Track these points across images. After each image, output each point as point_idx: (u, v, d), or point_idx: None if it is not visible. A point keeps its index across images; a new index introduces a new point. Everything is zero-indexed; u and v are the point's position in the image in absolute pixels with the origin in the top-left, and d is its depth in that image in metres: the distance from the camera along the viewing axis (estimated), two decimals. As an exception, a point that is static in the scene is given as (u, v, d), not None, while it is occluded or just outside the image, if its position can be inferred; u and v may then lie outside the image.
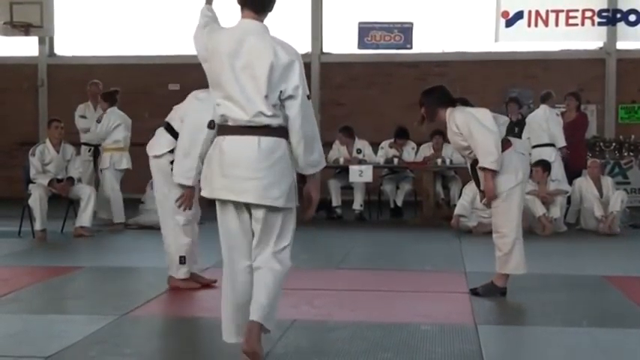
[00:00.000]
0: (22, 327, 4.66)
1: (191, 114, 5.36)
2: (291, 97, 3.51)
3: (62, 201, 8.98)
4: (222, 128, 3.61)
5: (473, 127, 5.18)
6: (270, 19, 3.68)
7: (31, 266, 7.08)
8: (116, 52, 13.60)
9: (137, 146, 12.43)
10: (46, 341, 4.31)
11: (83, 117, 10.27)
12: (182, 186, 5.37)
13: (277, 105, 3.50)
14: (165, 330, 4.79)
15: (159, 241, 8.50)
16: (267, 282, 3.56)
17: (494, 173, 5.23)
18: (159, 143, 5.72)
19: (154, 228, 9.22)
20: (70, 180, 8.90)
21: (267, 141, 3.50)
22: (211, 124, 5.22)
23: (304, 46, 13.04)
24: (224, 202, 3.61)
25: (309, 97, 3.57)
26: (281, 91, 3.49)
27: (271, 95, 3.47)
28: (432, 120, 5.41)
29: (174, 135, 5.57)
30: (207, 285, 5.72)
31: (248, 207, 3.58)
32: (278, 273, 3.59)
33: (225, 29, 3.67)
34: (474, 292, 5.49)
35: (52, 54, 13.89)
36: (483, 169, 5.26)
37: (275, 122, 3.51)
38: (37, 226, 8.51)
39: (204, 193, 3.71)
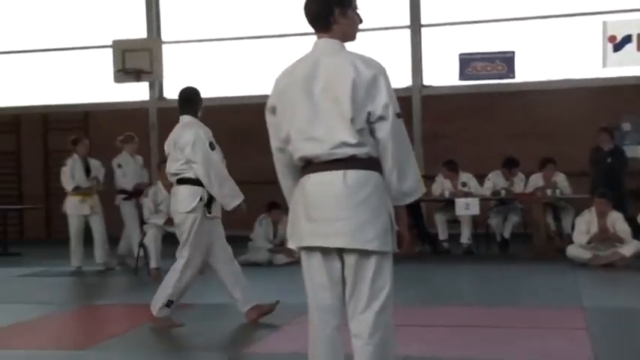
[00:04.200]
0: (141, 364, 4.81)
1: (195, 153, 5.61)
2: (380, 118, 3.04)
3: (175, 240, 9.23)
4: (304, 168, 3.15)
5: None
6: (370, 52, 3.39)
7: (147, 304, 7.27)
8: (221, 93, 14.00)
9: (245, 184, 12.80)
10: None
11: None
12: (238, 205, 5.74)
13: (364, 130, 3.03)
14: None
15: (268, 277, 8.65)
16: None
17: None
18: (184, 200, 5.77)
19: (263, 265, 9.47)
20: None
21: (354, 174, 3.03)
22: (212, 146, 5.69)
23: (405, 80, 13.06)
24: (311, 250, 3.13)
25: (399, 116, 3.08)
26: (369, 113, 3.02)
27: (357, 118, 3.01)
28: None
29: (193, 182, 5.71)
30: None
31: (340, 254, 3.09)
32: (379, 350, 3.10)
33: (296, 60, 3.25)
34: None
35: (161, 98, 14.41)
36: None
37: (362, 152, 3.04)
38: (153, 264, 8.80)
39: (291, 245, 3.31)
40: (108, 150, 10.33)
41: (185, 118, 5.90)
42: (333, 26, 3.17)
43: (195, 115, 5.92)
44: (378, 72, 3.06)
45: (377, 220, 3.04)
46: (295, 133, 3.10)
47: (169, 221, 9.00)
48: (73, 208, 9.56)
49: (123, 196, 9.75)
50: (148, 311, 6.78)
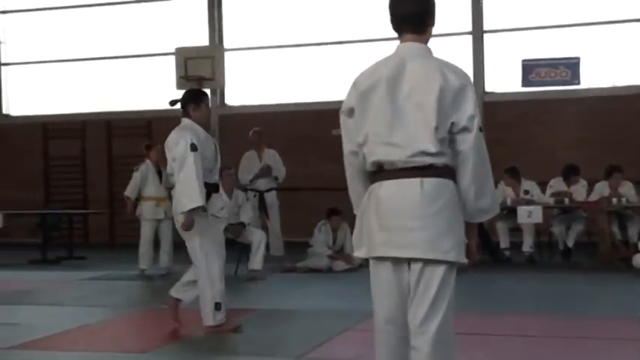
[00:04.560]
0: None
1: (175, 153, 5.60)
2: (464, 129, 2.93)
3: (235, 245, 9.32)
4: (376, 174, 3.04)
5: None
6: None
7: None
8: (281, 100, 14.10)
9: (304, 191, 12.89)
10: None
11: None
12: (191, 210, 5.51)
13: (445, 140, 2.94)
14: None
15: (327, 284, 8.65)
16: None
17: None
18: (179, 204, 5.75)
19: (322, 271, 9.49)
20: (242, 225, 9.25)
21: (431, 183, 2.93)
22: (193, 147, 5.55)
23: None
24: (381, 260, 3.03)
25: (481, 130, 2.97)
26: (452, 123, 2.93)
27: (441, 127, 2.91)
28: None
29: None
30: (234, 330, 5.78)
31: (409, 263, 3.00)
32: None
33: (379, 61, 3.13)
34: None
35: (223, 105, 14.57)
36: None
37: (440, 161, 2.94)
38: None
39: (358, 254, 3.14)
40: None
41: (183, 121, 5.89)
42: (427, 28, 3.10)
43: (189, 117, 5.87)
44: (466, 82, 2.99)
45: (453, 230, 2.96)
46: (373, 136, 3.00)
47: (229, 227, 9.12)
48: (149, 212, 9.72)
49: None
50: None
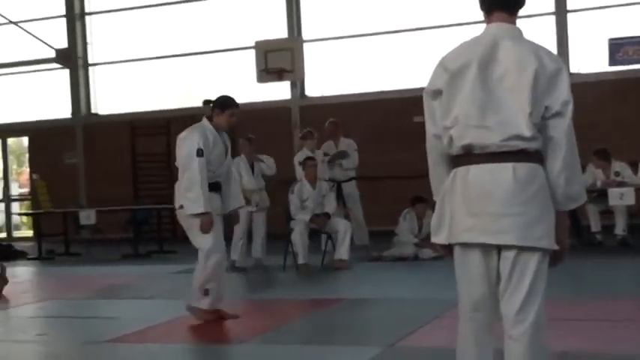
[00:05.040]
0: (296, 358, 4.92)
1: (179, 155, 5.95)
2: (557, 114, 2.85)
3: (321, 235, 9.39)
4: (463, 158, 2.95)
5: None
6: None
7: (297, 299, 7.44)
8: (359, 89, 14.09)
9: (387, 179, 12.86)
10: (319, 372, 4.50)
11: (326, 154, 10.60)
12: (197, 215, 5.81)
13: (538, 125, 2.86)
14: None
15: (415, 272, 8.62)
16: None
17: None
18: (178, 196, 6.02)
19: (409, 259, 9.46)
20: (327, 215, 9.29)
21: (522, 168, 2.85)
22: (199, 152, 5.80)
23: (550, 67, 12.65)
24: (468, 246, 2.95)
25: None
26: (546, 107, 2.85)
27: (535, 112, 2.83)
28: None
29: None
30: (231, 317, 6.11)
31: (499, 250, 2.93)
32: (536, 354, 2.92)
33: (467, 41, 3.03)
34: None
35: (303, 96, 14.65)
36: None
37: (532, 146, 2.86)
38: (300, 260, 8.97)
39: (439, 240, 3.03)
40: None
41: (202, 121, 6.15)
42: (519, 9, 3.02)
43: (210, 120, 6.10)
44: (561, 66, 2.90)
45: (545, 216, 2.88)
46: (463, 119, 2.90)
47: (312, 217, 9.19)
48: None
49: None
50: (300, 306, 6.95)
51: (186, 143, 5.92)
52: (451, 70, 2.95)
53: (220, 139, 6.09)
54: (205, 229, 5.88)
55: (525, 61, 2.87)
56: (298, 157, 10.08)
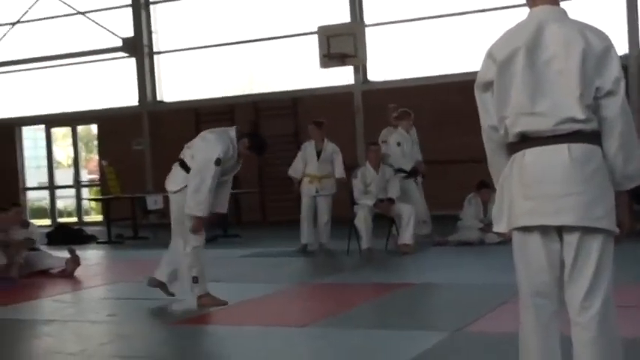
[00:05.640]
0: (362, 341, 4.92)
1: (198, 153, 6.13)
2: (610, 93, 2.80)
3: (385, 220, 9.37)
4: (519, 144, 2.91)
5: None
6: (581, 17, 3.11)
7: (362, 283, 7.46)
8: (422, 73, 13.98)
9: (450, 164, 12.74)
10: (386, 355, 4.49)
11: (384, 142, 10.51)
12: (194, 216, 6.04)
13: (591, 106, 2.80)
14: (500, 346, 4.64)
15: (480, 257, 8.54)
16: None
17: None
18: (175, 180, 6.30)
19: (474, 244, 9.38)
20: (391, 200, 9.26)
21: (578, 148, 2.80)
22: (218, 162, 6.05)
23: (620, 47, 12.33)
24: (527, 231, 2.89)
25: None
26: (597, 88, 2.79)
27: (586, 93, 2.78)
28: None
29: (188, 170, 6.15)
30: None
31: (560, 232, 2.86)
32: (606, 340, 2.84)
33: (512, 28, 2.98)
34: None
35: (365, 81, 14.61)
36: None
37: (588, 127, 2.80)
38: (364, 245, 8.97)
39: (499, 228, 3.00)
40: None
41: (231, 129, 6.36)
42: None
43: (240, 136, 6.30)
44: (609, 43, 2.85)
45: (605, 196, 2.82)
46: (515, 108, 2.87)
47: (378, 203, 9.18)
48: (304, 189, 9.88)
49: (402, 174, 9.86)
50: (364, 290, 6.97)
51: (210, 147, 6.13)
52: (499, 60, 2.91)
53: (235, 153, 6.32)
54: (197, 230, 6.15)
55: (572, 42, 2.81)
56: (395, 138, 10.03)
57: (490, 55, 2.97)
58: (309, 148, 9.83)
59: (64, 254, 9.02)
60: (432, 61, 14.00)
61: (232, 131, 6.32)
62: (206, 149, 6.14)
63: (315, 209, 9.82)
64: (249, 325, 5.63)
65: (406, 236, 9.13)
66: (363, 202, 9.18)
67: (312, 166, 9.74)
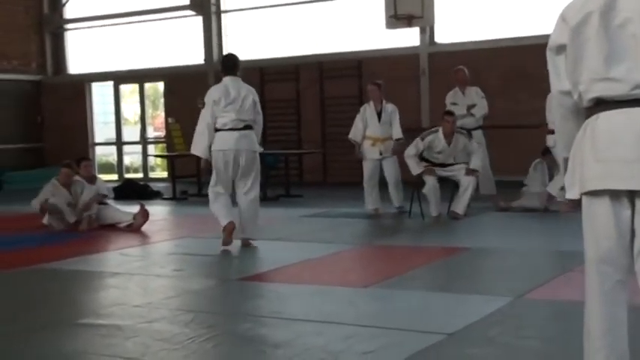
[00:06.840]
0: (422, 304, 4.94)
1: (258, 104, 8.05)
2: None
3: (449, 184, 9.30)
4: (593, 109, 2.84)
5: None
6: None
7: (424, 247, 7.45)
8: (492, 35, 13.71)
9: (514, 129, 12.54)
10: (446, 318, 4.50)
11: (454, 104, 10.39)
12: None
13: None
14: (563, 314, 4.60)
15: (545, 223, 8.44)
16: None
17: None
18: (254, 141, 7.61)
19: (539, 211, 9.25)
20: (474, 170, 9.20)
21: None
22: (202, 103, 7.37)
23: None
24: (597, 195, 2.80)
25: None
26: None
27: None
28: None
29: None
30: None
31: (632, 199, 2.75)
32: None
33: None
34: None
35: (432, 43, 14.42)
36: None
37: None
38: (434, 212, 8.99)
39: (572, 195, 2.91)
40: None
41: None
42: None
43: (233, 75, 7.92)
44: None
45: None
46: (588, 73, 2.80)
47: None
48: (366, 152, 9.78)
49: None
50: (427, 253, 6.97)
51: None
52: (572, 24, 2.85)
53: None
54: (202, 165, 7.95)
55: None
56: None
57: (563, 19, 2.90)
58: (368, 109, 9.75)
59: (132, 209, 9.24)
60: (500, 24, 13.71)
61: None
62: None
63: (380, 172, 9.78)
64: (310, 283, 5.70)
65: (458, 205, 9.07)
66: (411, 163, 9.14)
67: (373, 128, 9.66)
